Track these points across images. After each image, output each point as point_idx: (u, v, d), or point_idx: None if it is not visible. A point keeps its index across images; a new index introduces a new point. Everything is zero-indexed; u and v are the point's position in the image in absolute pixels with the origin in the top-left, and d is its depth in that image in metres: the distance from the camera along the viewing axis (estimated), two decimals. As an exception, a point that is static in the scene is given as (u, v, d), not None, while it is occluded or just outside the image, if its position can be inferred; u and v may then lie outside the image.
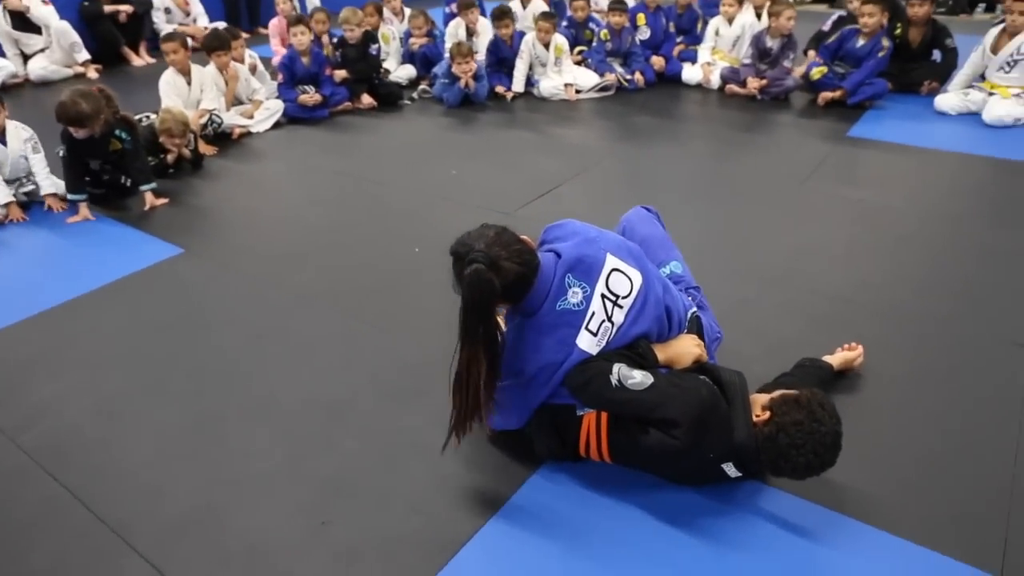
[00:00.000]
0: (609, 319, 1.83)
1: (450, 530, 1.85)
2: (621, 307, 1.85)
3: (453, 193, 3.86)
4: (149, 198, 3.74)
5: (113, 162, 3.73)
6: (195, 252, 3.29)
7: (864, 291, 2.85)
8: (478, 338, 1.70)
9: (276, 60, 5.97)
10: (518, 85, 5.56)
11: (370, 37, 5.43)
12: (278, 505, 1.94)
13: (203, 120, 4.49)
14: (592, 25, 5.91)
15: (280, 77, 5.17)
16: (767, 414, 1.76)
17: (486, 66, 5.55)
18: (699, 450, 1.78)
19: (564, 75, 5.57)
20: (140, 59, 6.95)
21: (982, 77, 4.97)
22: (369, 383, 2.40)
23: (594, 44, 5.72)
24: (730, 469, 1.80)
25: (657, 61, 5.75)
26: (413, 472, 2.04)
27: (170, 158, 4.06)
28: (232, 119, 4.75)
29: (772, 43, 5.36)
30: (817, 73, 5.21)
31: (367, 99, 5.34)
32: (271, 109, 4.98)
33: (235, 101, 4.91)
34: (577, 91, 5.53)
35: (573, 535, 1.83)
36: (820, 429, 1.69)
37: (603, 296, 1.82)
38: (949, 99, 4.96)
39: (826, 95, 5.11)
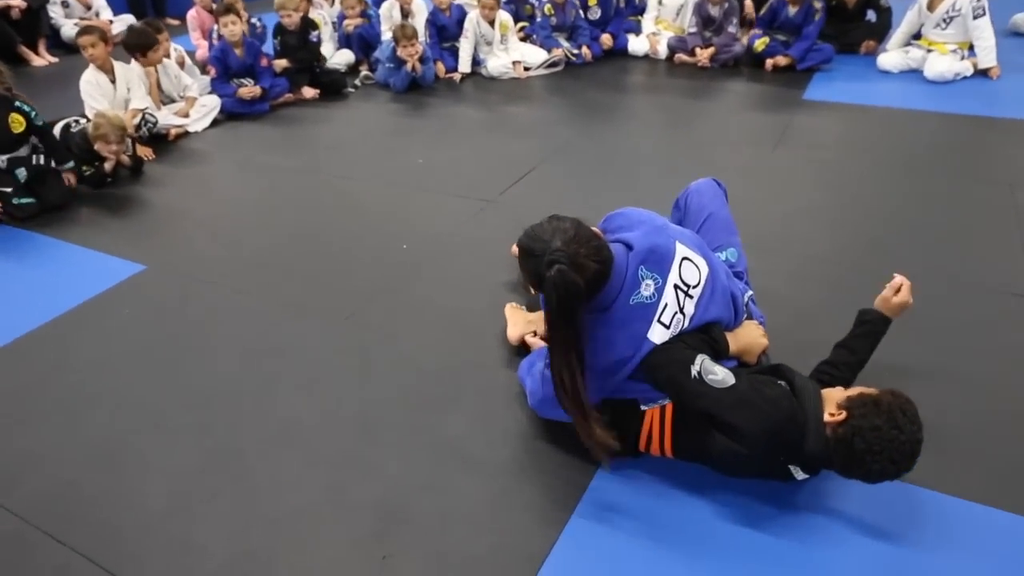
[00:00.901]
0: (681, 310, 1.74)
1: (526, 545, 1.73)
2: (692, 297, 1.76)
3: (427, 182, 3.67)
4: (70, 178, 3.65)
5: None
6: (159, 268, 2.99)
7: (869, 250, 2.87)
8: (569, 343, 1.58)
9: (200, 54, 5.56)
10: (464, 65, 5.37)
11: (309, 23, 5.10)
12: (328, 543, 1.76)
13: (136, 121, 4.10)
14: (532, 0, 5.76)
15: (212, 71, 4.79)
16: (843, 414, 1.63)
17: (428, 42, 5.33)
18: (768, 457, 1.70)
19: (511, 52, 5.42)
20: (40, 58, 6.36)
21: (919, 35, 5.12)
22: (393, 395, 2.23)
23: (538, 20, 5.58)
24: (797, 472, 1.72)
25: (606, 40, 5.66)
26: (466, 488, 1.89)
27: (108, 166, 3.69)
28: (167, 119, 4.37)
29: (714, 10, 5.36)
30: (760, 45, 5.25)
31: (309, 90, 5.03)
32: (207, 106, 4.61)
33: (167, 99, 4.53)
34: (526, 68, 5.39)
35: (656, 534, 1.74)
36: (899, 437, 1.57)
37: (676, 287, 1.73)
38: (891, 58, 5.09)
39: (772, 61, 5.17)
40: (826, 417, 1.66)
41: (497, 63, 5.36)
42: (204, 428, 2.13)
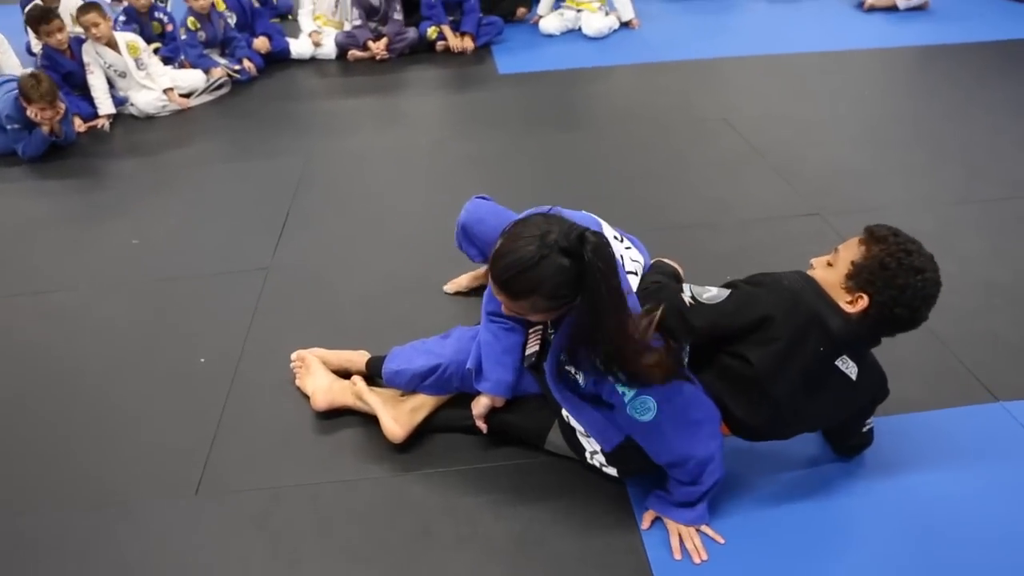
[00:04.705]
0: (632, 260, 1.79)
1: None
2: (629, 246, 1.84)
3: (169, 267, 2.77)
4: None
5: None
6: None
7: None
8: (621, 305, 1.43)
9: None
10: (106, 105, 4.23)
11: None
12: None
13: None
14: (159, 14, 4.77)
15: None
16: (864, 299, 1.49)
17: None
18: (803, 346, 1.51)
19: (158, 80, 4.43)
20: None
21: (564, -3, 5.47)
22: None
23: (183, 36, 4.65)
24: (846, 365, 1.55)
25: (261, 44, 4.95)
26: None
27: None
28: None
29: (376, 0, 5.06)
30: (433, 32, 5.11)
31: None
32: None
33: None
34: (185, 95, 4.47)
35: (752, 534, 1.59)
36: (925, 275, 1.46)
37: (615, 238, 1.79)
38: (550, 22, 5.35)
39: (455, 42, 5.07)
40: (846, 307, 1.51)
41: (148, 97, 4.33)
42: None
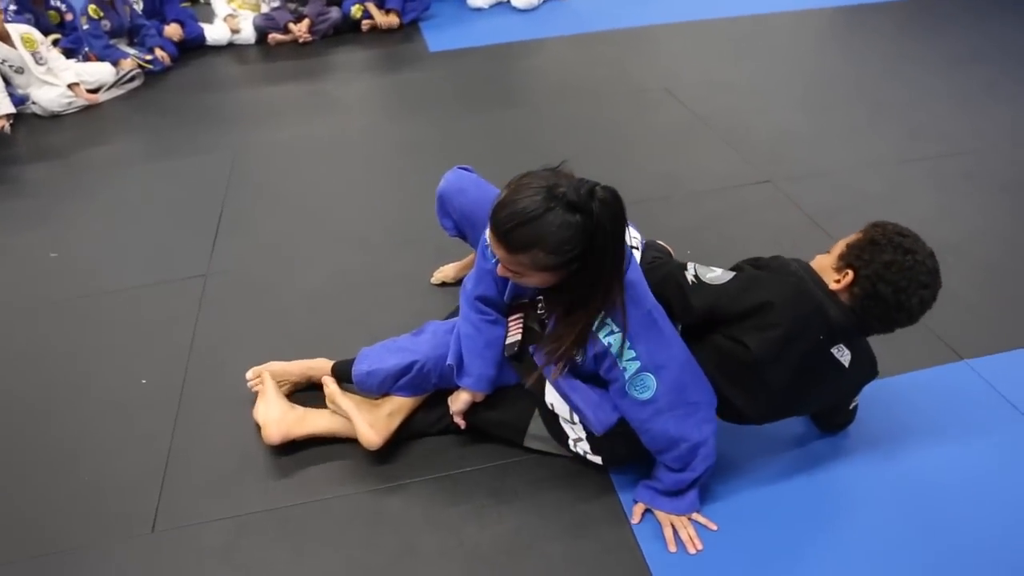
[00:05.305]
0: (633, 236, 1.80)
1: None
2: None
3: (96, 282, 2.54)
4: None
5: None
6: None
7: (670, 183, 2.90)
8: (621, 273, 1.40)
9: None
10: (4, 106, 3.87)
11: None
12: None
13: None
14: (55, 3, 4.39)
15: None
16: (849, 273, 1.48)
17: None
18: (803, 334, 1.47)
19: (61, 75, 4.09)
20: None
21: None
22: None
23: (85, 26, 4.29)
24: (840, 352, 1.52)
25: (173, 31, 4.63)
26: None
27: None
28: None
29: (292, -22, 4.79)
30: (358, 11, 4.88)
31: None
32: None
33: None
34: (93, 91, 4.15)
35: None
36: (916, 258, 1.44)
37: None
38: (476, -5, 5.20)
39: (383, 20, 4.86)
40: (833, 286, 1.50)
41: (52, 94, 4.00)
42: None
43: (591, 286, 1.38)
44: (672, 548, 1.55)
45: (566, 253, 1.31)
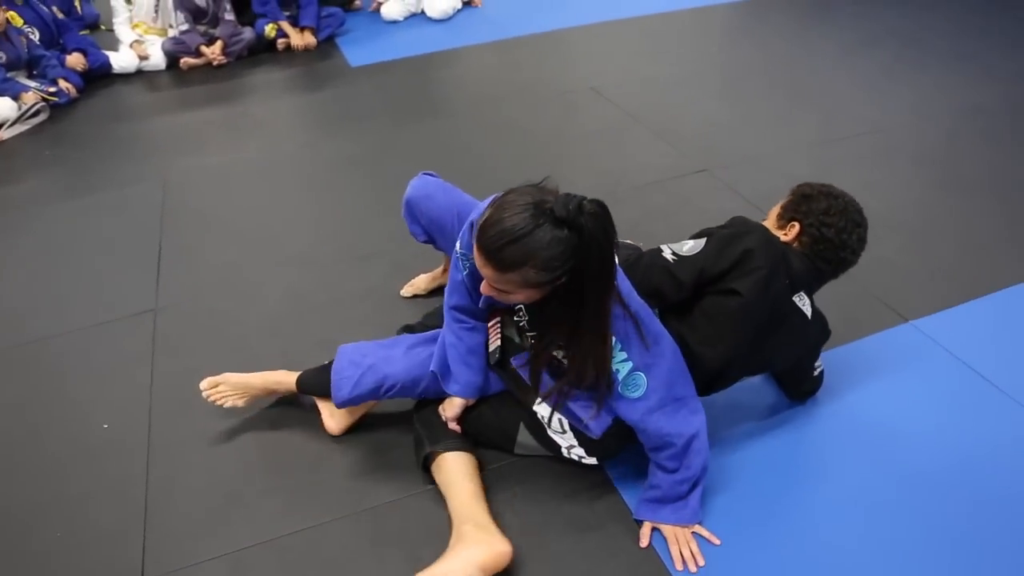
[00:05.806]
0: None
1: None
2: None
3: (34, 327, 2.41)
4: None
5: None
6: None
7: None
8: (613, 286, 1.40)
9: None
10: None
11: None
12: None
13: None
14: (-58, 39, 4.11)
15: None
16: (795, 225, 1.68)
17: None
18: (777, 274, 1.58)
19: (-43, 116, 3.84)
20: None
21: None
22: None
23: (-21, 61, 4.04)
24: (802, 301, 1.66)
25: (76, 60, 4.39)
26: None
27: None
28: None
29: (201, 0, 4.64)
30: (272, 30, 4.78)
31: None
32: None
33: None
34: (-6, 129, 3.91)
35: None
36: (844, 199, 1.67)
37: None
38: (391, 8, 5.17)
39: (297, 40, 4.78)
40: (783, 238, 1.69)
41: (-52, 135, 3.76)
42: None
43: (579, 300, 1.36)
44: (679, 567, 1.52)
45: (555, 269, 1.29)
